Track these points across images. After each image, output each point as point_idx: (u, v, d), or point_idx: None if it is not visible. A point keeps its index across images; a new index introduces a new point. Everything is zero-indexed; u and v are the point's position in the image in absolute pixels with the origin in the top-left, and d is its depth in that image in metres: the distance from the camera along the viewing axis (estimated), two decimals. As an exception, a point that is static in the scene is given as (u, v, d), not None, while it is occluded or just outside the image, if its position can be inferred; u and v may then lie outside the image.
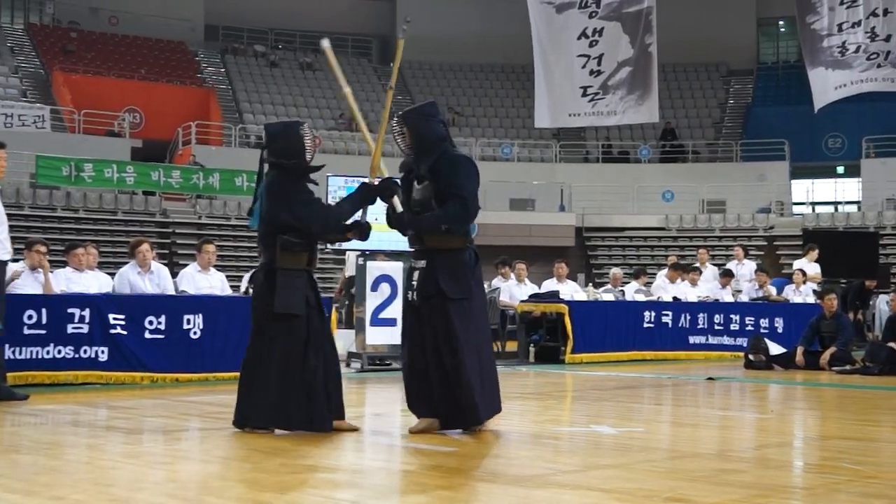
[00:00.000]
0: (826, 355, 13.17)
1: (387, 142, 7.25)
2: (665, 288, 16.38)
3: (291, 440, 6.48)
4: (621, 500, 4.67)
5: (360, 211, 7.01)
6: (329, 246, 13.36)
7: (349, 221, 6.98)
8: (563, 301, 14.29)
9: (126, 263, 11.66)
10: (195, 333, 10.54)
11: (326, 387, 6.76)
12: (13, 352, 9.43)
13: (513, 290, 15.42)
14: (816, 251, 18.45)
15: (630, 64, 17.15)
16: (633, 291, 16.38)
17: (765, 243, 28.66)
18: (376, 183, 6.98)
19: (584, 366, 13.64)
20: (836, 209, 32.71)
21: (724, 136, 35.80)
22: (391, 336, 11.36)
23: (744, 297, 17.50)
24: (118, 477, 5.30)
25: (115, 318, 10.14)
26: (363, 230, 7.04)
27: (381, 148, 7.12)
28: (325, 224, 6.87)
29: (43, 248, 10.72)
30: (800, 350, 13.46)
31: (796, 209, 32.97)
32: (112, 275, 11.76)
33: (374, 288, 12.11)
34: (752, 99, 37.80)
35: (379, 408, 9.46)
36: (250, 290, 7.18)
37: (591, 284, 19.83)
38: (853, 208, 31.77)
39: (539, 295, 14.90)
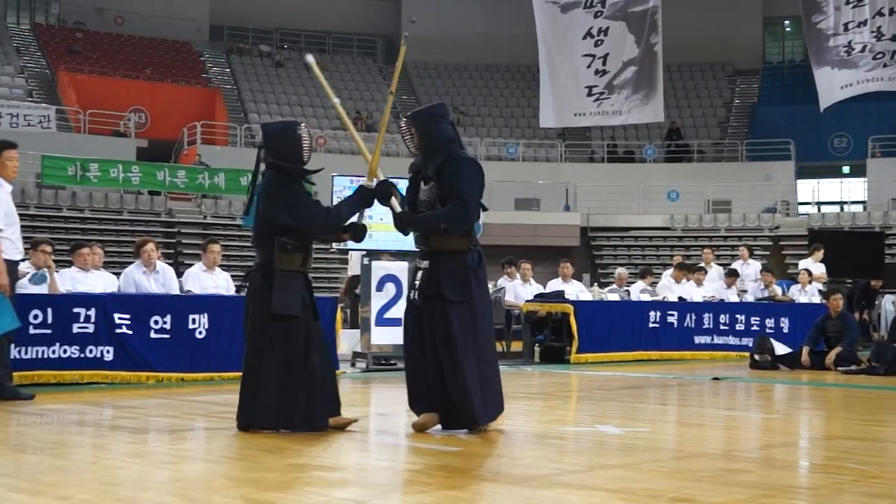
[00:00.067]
0: (832, 355, 13.16)
1: (386, 142, 7.28)
2: (670, 288, 16.38)
3: (296, 440, 6.48)
4: (626, 500, 4.67)
5: (357, 214, 7.03)
6: (335, 246, 13.36)
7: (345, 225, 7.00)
8: (568, 301, 14.29)
9: (131, 263, 11.67)
10: (200, 333, 10.55)
11: (323, 386, 6.78)
12: (19, 351, 9.45)
13: (518, 289, 15.41)
14: (822, 251, 18.44)
15: (635, 63, 17.14)
16: (638, 291, 16.37)
17: (770, 243, 28.62)
18: (373, 186, 6.98)
19: (590, 366, 13.63)
20: (842, 209, 32.67)
21: (730, 135, 35.76)
22: (396, 336, 11.35)
23: (749, 297, 17.49)
24: (123, 476, 5.31)
25: (120, 318, 10.15)
26: (358, 232, 7.10)
27: (379, 152, 7.12)
28: (324, 226, 6.89)
29: (48, 248, 10.74)
30: (805, 350, 13.44)
31: (802, 209, 32.93)
32: (117, 274, 11.78)
33: (380, 288, 12.11)
34: (758, 98, 37.76)
35: (384, 407, 9.46)
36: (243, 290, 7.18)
37: (596, 284, 19.83)
38: (859, 208, 31.72)
39: (544, 295, 14.90)
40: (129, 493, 4.79)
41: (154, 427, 7.45)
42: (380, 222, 10.96)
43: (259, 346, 6.71)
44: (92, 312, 10.01)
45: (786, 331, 15.79)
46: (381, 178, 7.04)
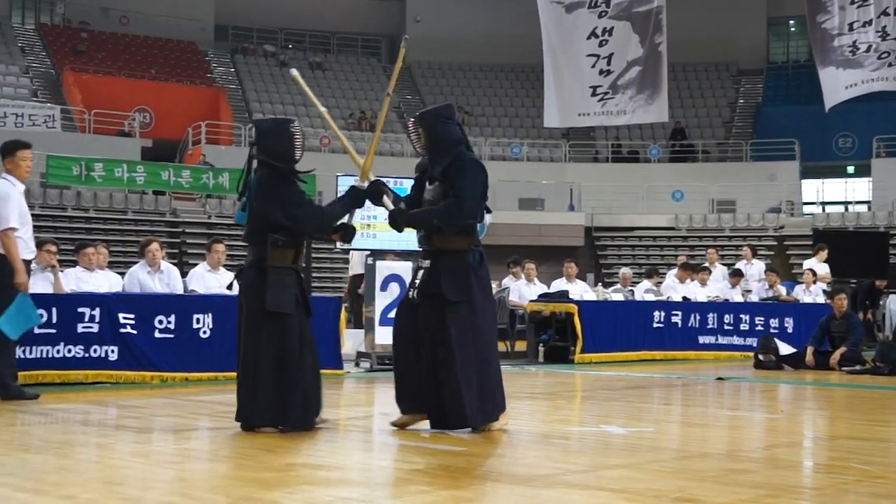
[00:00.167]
0: (836, 355, 13.15)
1: (391, 142, 7.31)
2: (675, 288, 16.37)
3: (299, 439, 6.49)
4: (630, 500, 4.67)
5: (348, 214, 7.08)
6: (339, 245, 13.38)
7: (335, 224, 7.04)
8: (572, 301, 14.28)
9: (136, 263, 11.69)
10: (205, 333, 10.56)
11: (312, 385, 6.82)
12: (23, 351, 9.45)
13: (522, 289, 15.42)
14: (826, 251, 18.42)
15: (640, 63, 17.12)
16: (642, 291, 16.37)
17: (775, 243, 28.60)
18: (365, 186, 7.00)
19: (594, 366, 13.62)
20: (847, 209, 32.64)
21: (734, 135, 35.73)
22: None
23: (753, 297, 17.47)
24: (128, 476, 5.31)
25: (125, 318, 10.16)
26: (348, 232, 7.16)
27: (373, 153, 7.14)
28: (318, 225, 6.93)
29: (53, 248, 10.76)
30: (810, 350, 13.43)
31: (806, 209, 32.91)
32: (122, 274, 11.79)
33: (384, 288, 12.12)
34: (763, 98, 37.72)
35: (387, 407, 9.42)
36: (234, 287, 7.18)
37: (600, 284, 19.81)
38: (863, 208, 31.70)
39: (548, 295, 14.90)
40: (134, 493, 4.80)
41: (158, 426, 7.46)
42: (384, 222, 10.95)
43: (255, 345, 6.71)
44: (96, 312, 10.01)
45: (790, 331, 15.78)
46: (373, 178, 7.06)
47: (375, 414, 8.68)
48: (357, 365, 12.52)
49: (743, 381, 11.78)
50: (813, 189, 34.33)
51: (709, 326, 15.49)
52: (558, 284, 15.51)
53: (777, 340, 13.95)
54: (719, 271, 18.12)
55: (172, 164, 27.58)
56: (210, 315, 10.57)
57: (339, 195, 11.78)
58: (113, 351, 10.09)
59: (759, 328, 15.71)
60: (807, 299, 17.28)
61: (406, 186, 7.25)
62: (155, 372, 10.29)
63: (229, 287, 7.23)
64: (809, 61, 28.67)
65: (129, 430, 7.21)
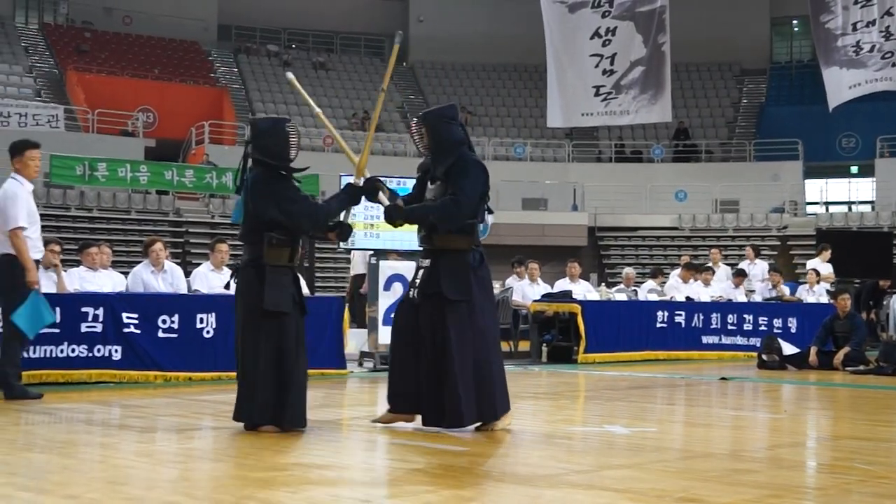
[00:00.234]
0: (840, 355, 13.14)
1: (394, 141, 7.35)
2: (678, 288, 16.35)
3: (302, 439, 6.49)
4: (634, 500, 4.67)
5: (343, 212, 7.11)
6: (342, 245, 13.38)
7: (331, 223, 7.06)
8: (575, 301, 14.28)
9: (139, 263, 11.69)
10: (208, 333, 10.56)
11: (305, 384, 6.88)
12: (27, 351, 9.45)
13: (525, 289, 15.41)
14: (829, 251, 18.41)
15: (643, 63, 17.11)
16: (646, 291, 16.36)
17: (778, 243, 28.58)
18: (361, 183, 7.03)
19: (597, 366, 13.62)
20: (850, 209, 32.61)
21: (738, 135, 35.71)
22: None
23: (757, 297, 17.46)
24: (132, 475, 5.32)
25: (128, 318, 10.16)
26: (344, 230, 7.16)
27: (368, 150, 7.19)
28: (314, 221, 6.94)
29: (57, 248, 10.77)
30: (813, 350, 13.43)
31: (810, 209, 32.88)
32: (125, 274, 11.79)
33: (387, 287, 12.13)
34: (766, 98, 37.69)
35: (391, 407, 9.45)
36: (231, 286, 7.20)
37: (603, 284, 19.81)
38: (867, 208, 31.66)
39: (552, 294, 14.89)
40: (137, 493, 4.80)
41: (162, 426, 7.46)
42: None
43: (253, 344, 6.71)
44: (100, 312, 10.02)
45: (793, 331, 15.77)
46: (368, 175, 7.09)
47: (378, 414, 8.66)
48: (360, 365, 12.52)
49: (746, 382, 11.78)
50: (816, 189, 34.30)
51: (712, 326, 15.49)
52: (562, 284, 15.50)
53: (780, 340, 13.94)
54: (723, 271, 18.11)
55: (176, 163, 27.58)
56: (213, 315, 10.57)
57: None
58: (116, 350, 10.10)
59: (763, 328, 15.70)
60: (810, 299, 17.27)
61: (409, 186, 7.26)
62: (158, 371, 10.30)
63: (227, 287, 7.22)
64: (813, 61, 28.66)
65: (133, 429, 7.21)
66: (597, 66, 17.13)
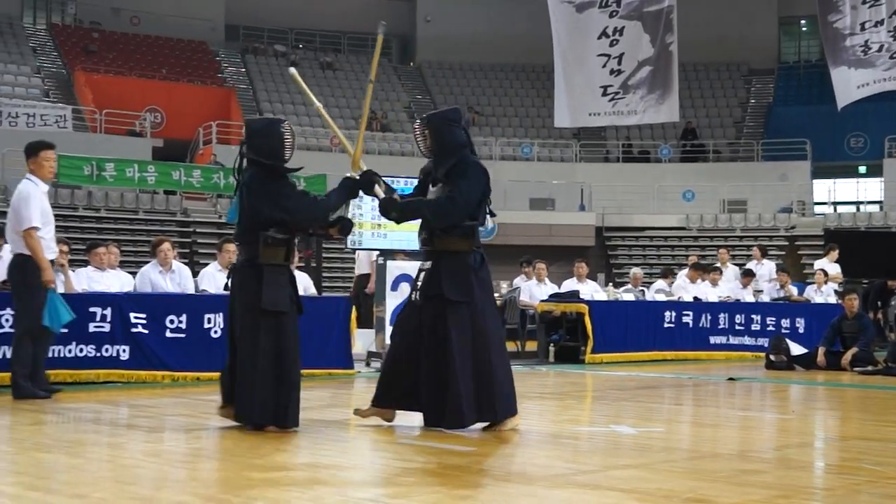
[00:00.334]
0: (848, 356, 13.12)
1: (401, 142, 7.40)
2: (686, 288, 16.34)
3: (310, 439, 6.50)
4: (641, 501, 4.67)
5: (343, 207, 7.19)
6: (348, 245, 13.39)
7: (332, 218, 7.09)
8: (583, 301, 14.27)
9: (147, 262, 11.71)
10: (216, 332, 10.57)
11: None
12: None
13: (533, 289, 15.41)
14: (836, 251, 18.37)
15: (650, 63, 17.10)
16: (654, 290, 16.35)
17: (786, 243, 28.52)
18: (357, 177, 7.05)
19: (604, 366, 13.61)
20: (858, 209, 32.53)
21: (746, 135, 35.65)
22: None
23: (764, 297, 17.43)
24: (140, 475, 5.33)
25: (136, 317, 10.18)
26: (345, 225, 7.19)
27: (361, 142, 7.26)
28: (312, 214, 6.96)
29: (64, 248, 10.79)
30: (821, 350, 13.40)
31: (818, 209, 32.80)
32: (133, 274, 11.81)
33: (394, 287, 12.13)
34: (774, 98, 37.62)
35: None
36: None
37: (611, 284, 19.80)
38: (875, 208, 31.59)
39: (559, 295, 14.89)
40: (145, 492, 4.81)
41: (170, 426, 7.47)
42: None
43: (252, 344, 6.72)
44: (108, 312, 10.04)
45: (801, 331, 15.75)
46: (365, 168, 7.12)
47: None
48: (367, 365, 12.52)
49: (754, 382, 11.76)
50: (824, 189, 34.22)
51: (720, 326, 15.47)
52: (569, 284, 15.49)
53: (788, 341, 13.93)
54: (731, 271, 18.08)
55: (183, 163, 27.59)
56: (221, 315, 10.56)
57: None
58: (124, 350, 10.11)
59: (771, 328, 15.68)
60: (818, 299, 17.24)
61: (410, 188, 7.30)
62: (166, 371, 10.32)
63: (225, 287, 7.24)
64: (821, 61, 28.63)
65: (141, 429, 7.22)
66: (604, 65, 17.13)
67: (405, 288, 12.02)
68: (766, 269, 18.45)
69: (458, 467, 5.62)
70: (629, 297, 15.90)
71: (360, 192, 7.20)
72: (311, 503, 4.59)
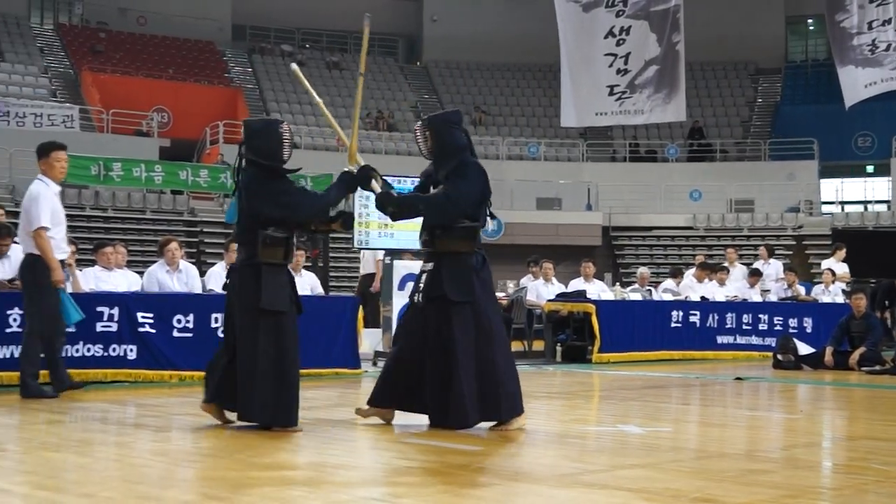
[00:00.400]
0: (855, 355, 13.09)
1: (408, 141, 7.46)
2: (693, 287, 16.32)
3: (316, 439, 6.50)
4: (648, 500, 4.67)
5: (343, 200, 7.22)
6: (355, 245, 13.39)
7: (333, 213, 7.12)
8: (590, 300, 14.25)
9: (154, 262, 11.72)
10: (223, 332, 10.56)
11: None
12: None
13: (540, 289, 15.40)
14: (843, 250, 18.33)
15: (657, 62, 17.10)
16: (662, 290, 16.33)
17: (793, 243, 28.49)
18: (355, 171, 7.11)
19: (611, 365, 13.60)
20: (866, 208, 32.48)
21: (753, 134, 35.60)
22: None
23: (772, 297, 17.40)
24: (147, 474, 5.33)
25: (143, 317, 10.19)
26: (347, 219, 7.23)
27: (356, 136, 7.32)
28: (312, 210, 7.00)
29: (72, 248, 10.79)
30: (829, 350, 13.38)
31: (825, 208, 32.74)
32: (140, 273, 11.83)
33: (402, 287, 12.13)
34: (781, 97, 37.57)
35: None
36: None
37: (618, 284, 19.78)
38: (883, 207, 31.53)
39: (566, 294, 14.88)
40: (153, 491, 4.81)
41: (177, 425, 7.48)
42: (401, 221, 10.95)
43: (251, 343, 6.73)
44: (115, 311, 10.05)
45: (809, 331, 15.72)
46: (362, 162, 7.15)
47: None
48: (375, 364, 12.52)
49: (762, 382, 11.74)
50: (832, 188, 34.15)
51: (727, 326, 15.44)
52: (576, 284, 15.48)
53: (796, 340, 13.90)
54: (739, 271, 18.04)
55: (190, 163, 27.63)
56: (228, 314, 10.57)
57: (355, 195, 11.86)
58: (132, 350, 10.13)
59: (778, 328, 15.65)
60: (826, 299, 17.21)
61: (411, 188, 7.33)
62: (173, 371, 10.33)
63: (224, 287, 7.26)
64: (828, 60, 28.51)
65: (148, 428, 7.23)
66: (611, 65, 17.14)
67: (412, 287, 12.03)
68: (773, 268, 18.42)
69: (464, 466, 5.62)
70: (636, 296, 15.87)
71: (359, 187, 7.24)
72: (318, 502, 4.60)
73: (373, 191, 7.15)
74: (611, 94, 17.26)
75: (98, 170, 23.94)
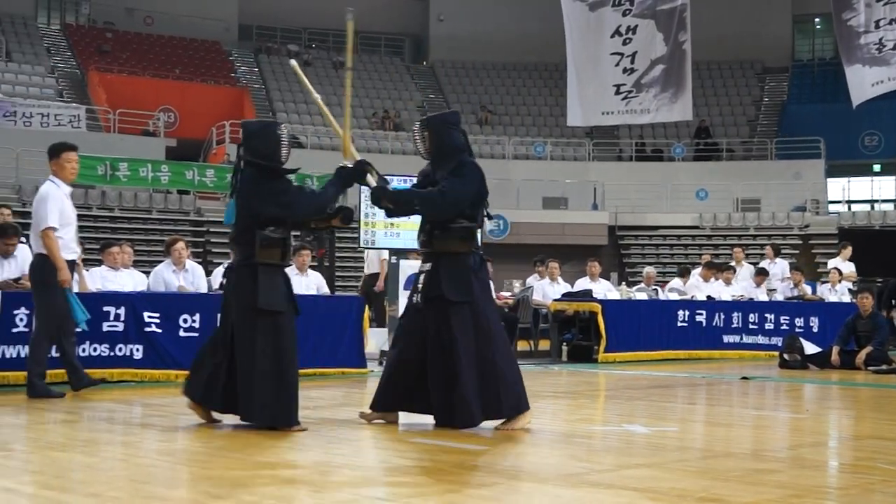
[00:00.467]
0: (862, 355, 13.07)
1: (407, 140, 7.50)
2: (699, 287, 16.30)
3: (322, 438, 6.51)
4: (654, 500, 4.66)
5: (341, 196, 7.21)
6: (361, 245, 13.41)
7: (332, 209, 7.13)
8: (596, 300, 14.25)
9: (160, 262, 11.74)
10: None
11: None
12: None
13: (546, 288, 15.40)
14: (849, 248, 18.30)
15: (664, 62, 17.08)
16: (668, 289, 16.31)
17: (800, 242, 28.44)
18: (351, 166, 7.12)
19: (617, 365, 13.59)
20: (873, 207, 32.41)
21: (759, 133, 35.56)
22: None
23: (778, 296, 17.38)
24: (154, 474, 5.34)
25: (149, 317, 10.21)
26: (346, 214, 7.24)
27: (349, 131, 7.31)
28: (310, 207, 7.03)
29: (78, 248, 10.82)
30: (835, 349, 13.36)
31: (832, 207, 32.68)
32: (147, 273, 11.85)
33: (407, 286, 12.12)
34: (788, 96, 37.51)
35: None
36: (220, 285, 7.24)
37: (624, 283, 19.77)
38: (889, 206, 31.47)
39: (572, 293, 14.87)
40: (160, 491, 4.82)
41: (183, 425, 7.48)
42: (406, 220, 10.97)
43: (249, 344, 6.74)
44: (121, 311, 10.07)
45: (815, 330, 15.70)
46: (357, 157, 7.19)
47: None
48: (380, 363, 12.52)
49: (768, 381, 11.73)
50: (838, 188, 34.08)
51: (733, 326, 15.43)
52: (582, 283, 15.48)
53: (802, 340, 13.89)
54: (746, 270, 18.02)
55: (197, 163, 27.66)
56: (234, 314, 10.58)
57: (360, 195, 11.85)
58: (138, 349, 10.14)
59: (785, 327, 15.63)
60: (832, 298, 17.18)
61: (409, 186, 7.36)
62: (180, 370, 10.28)
63: (220, 287, 7.27)
64: (835, 59, 28.53)
65: (155, 428, 7.25)
66: (617, 64, 17.12)
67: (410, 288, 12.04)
68: (779, 267, 18.40)
69: (472, 466, 5.62)
70: (642, 296, 15.87)
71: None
72: (323, 502, 4.60)
73: (368, 185, 7.17)
74: (617, 93, 17.25)
75: (105, 170, 24.00)
